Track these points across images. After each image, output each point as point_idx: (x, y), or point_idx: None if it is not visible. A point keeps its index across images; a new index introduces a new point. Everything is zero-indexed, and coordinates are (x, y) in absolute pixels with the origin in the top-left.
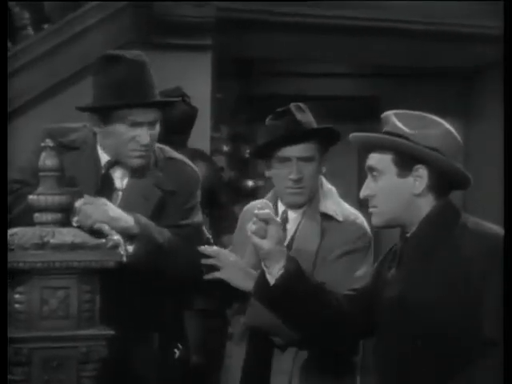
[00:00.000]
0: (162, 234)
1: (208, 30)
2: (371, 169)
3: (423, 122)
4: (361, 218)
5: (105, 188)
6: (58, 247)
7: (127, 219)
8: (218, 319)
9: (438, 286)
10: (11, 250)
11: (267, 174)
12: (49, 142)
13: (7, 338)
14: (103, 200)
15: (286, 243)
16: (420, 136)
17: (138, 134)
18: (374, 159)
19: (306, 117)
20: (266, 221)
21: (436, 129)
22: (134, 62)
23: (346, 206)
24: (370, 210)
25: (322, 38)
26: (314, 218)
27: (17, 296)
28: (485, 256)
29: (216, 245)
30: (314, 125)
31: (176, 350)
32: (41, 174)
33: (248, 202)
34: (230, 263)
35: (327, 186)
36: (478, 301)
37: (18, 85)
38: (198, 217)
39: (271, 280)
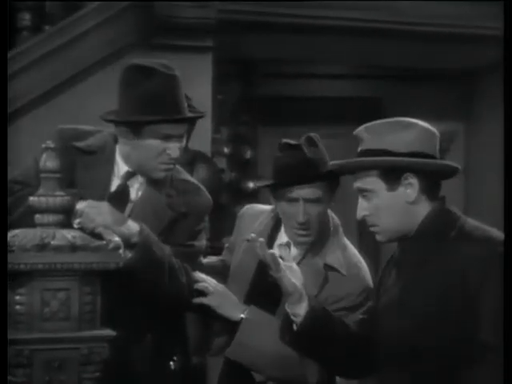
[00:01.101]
0: (162, 250)
1: (209, 32)
2: (361, 190)
3: (396, 127)
4: (364, 269)
5: (119, 198)
6: (59, 249)
7: (131, 226)
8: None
9: (434, 290)
10: (12, 251)
11: (274, 206)
12: (50, 144)
13: (7, 340)
14: (106, 204)
15: None
16: (398, 143)
17: (168, 147)
18: (361, 181)
19: (318, 152)
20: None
21: (411, 131)
22: (168, 76)
23: (351, 251)
24: (372, 229)
25: (324, 40)
26: (317, 265)
27: (18, 298)
28: (481, 260)
29: (216, 246)
30: (326, 159)
31: (171, 363)
32: (42, 175)
33: (248, 203)
34: (218, 291)
35: (334, 221)
36: (475, 305)
37: (18, 86)
38: (202, 241)
39: (297, 320)
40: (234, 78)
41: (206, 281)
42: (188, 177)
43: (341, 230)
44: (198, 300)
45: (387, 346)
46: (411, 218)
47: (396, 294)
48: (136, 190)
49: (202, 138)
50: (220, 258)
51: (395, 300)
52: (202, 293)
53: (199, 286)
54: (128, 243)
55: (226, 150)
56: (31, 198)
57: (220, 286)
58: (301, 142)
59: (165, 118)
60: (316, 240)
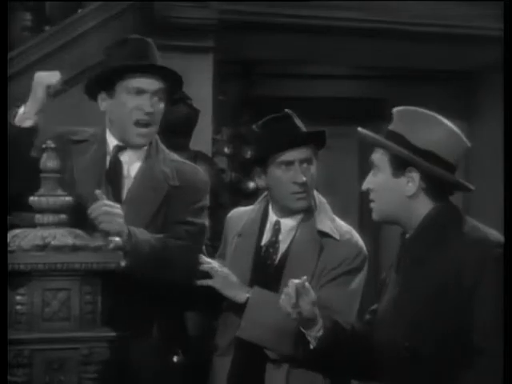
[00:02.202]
0: (149, 243)
1: (210, 32)
2: (371, 163)
3: (424, 121)
4: (355, 236)
5: (113, 173)
6: (60, 249)
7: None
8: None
9: (429, 290)
10: (12, 251)
11: (261, 182)
12: (50, 144)
13: (7, 340)
14: (119, 211)
15: (278, 257)
16: (418, 137)
17: (141, 103)
18: (375, 155)
19: (299, 122)
20: (302, 287)
21: (438, 131)
22: (139, 40)
23: (339, 222)
24: (370, 205)
25: (325, 40)
26: (311, 234)
27: (18, 298)
28: (475, 262)
29: (216, 245)
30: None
31: (175, 357)
32: (42, 175)
33: (249, 203)
34: (222, 273)
35: (320, 198)
36: (468, 307)
37: (18, 86)
38: (205, 219)
39: (313, 341)
40: (234, 78)
41: (211, 263)
42: (183, 160)
43: (328, 206)
44: (203, 282)
45: (386, 346)
46: (408, 211)
47: (394, 293)
48: (128, 165)
49: (203, 138)
50: None
51: (393, 300)
52: (207, 275)
53: (204, 267)
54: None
55: (226, 150)
56: (31, 198)
57: (224, 268)
58: (288, 112)
59: (128, 64)
60: (309, 207)
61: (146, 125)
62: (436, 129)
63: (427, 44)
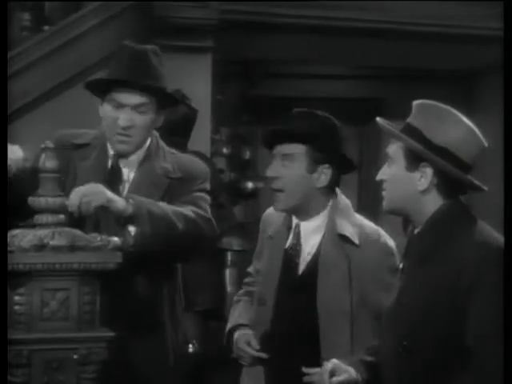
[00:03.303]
0: (158, 207)
1: (209, 32)
2: (386, 155)
3: (442, 117)
4: (384, 236)
5: (113, 179)
6: (58, 249)
7: (120, 201)
8: (217, 320)
9: (430, 288)
10: (11, 251)
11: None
12: (49, 144)
13: (7, 340)
14: (97, 184)
15: (302, 262)
16: (435, 132)
17: (120, 117)
18: (391, 147)
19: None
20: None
21: (452, 127)
22: (136, 50)
23: (366, 222)
24: (382, 193)
25: (324, 40)
26: (334, 238)
27: (17, 298)
28: (475, 266)
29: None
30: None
31: (190, 346)
32: (41, 175)
33: (248, 203)
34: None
35: (345, 200)
36: (463, 310)
37: (17, 86)
38: (205, 196)
39: None
40: (233, 78)
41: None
42: (180, 153)
43: (351, 209)
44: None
45: (385, 344)
46: (417, 205)
47: (398, 289)
48: (128, 171)
49: (202, 137)
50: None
51: (396, 295)
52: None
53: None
54: (125, 218)
55: (225, 150)
56: (30, 198)
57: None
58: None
59: (104, 79)
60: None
61: (123, 141)
62: (453, 126)
63: (427, 44)
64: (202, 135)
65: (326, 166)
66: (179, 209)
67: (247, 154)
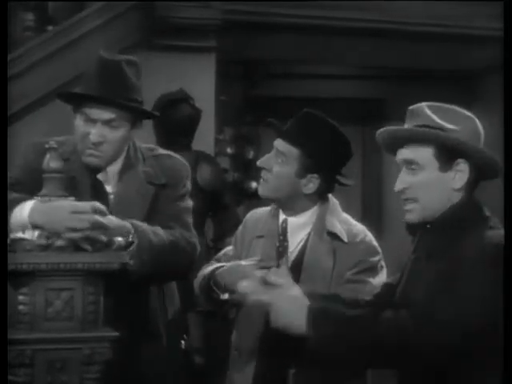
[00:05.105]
0: (157, 234)
1: (212, 32)
2: (410, 162)
3: (456, 115)
4: (369, 236)
5: (96, 194)
6: (63, 249)
7: (123, 225)
8: (218, 320)
9: (432, 285)
10: (15, 251)
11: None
12: (53, 144)
13: (7, 340)
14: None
15: (293, 256)
16: (456, 130)
17: (90, 132)
18: (413, 152)
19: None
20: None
21: (468, 123)
22: (109, 62)
23: (353, 222)
24: (407, 205)
25: (327, 40)
26: (321, 235)
27: (21, 297)
28: (474, 265)
29: (219, 247)
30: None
31: (182, 342)
32: (45, 175)
33: (252, 203)
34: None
35: (333, 200)
36: (461, 310)
37: (19, 87)
38: (188, 202)
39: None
40: (237, 78)
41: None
42: (160, 151)
43: (339, 208)
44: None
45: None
46: (449, 202)
47: (403, 283)
48: (107, 182)
49: (205, 138)
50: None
51: (401, 289)
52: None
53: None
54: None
55: (229, 150)
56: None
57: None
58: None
59: (74, 93)
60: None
61: (93, 155)
62: (468, 122)
63: (427, 44)
64: (205, 135)
65: (315, 175)
66: (172, 238)
67: (251, 154)
